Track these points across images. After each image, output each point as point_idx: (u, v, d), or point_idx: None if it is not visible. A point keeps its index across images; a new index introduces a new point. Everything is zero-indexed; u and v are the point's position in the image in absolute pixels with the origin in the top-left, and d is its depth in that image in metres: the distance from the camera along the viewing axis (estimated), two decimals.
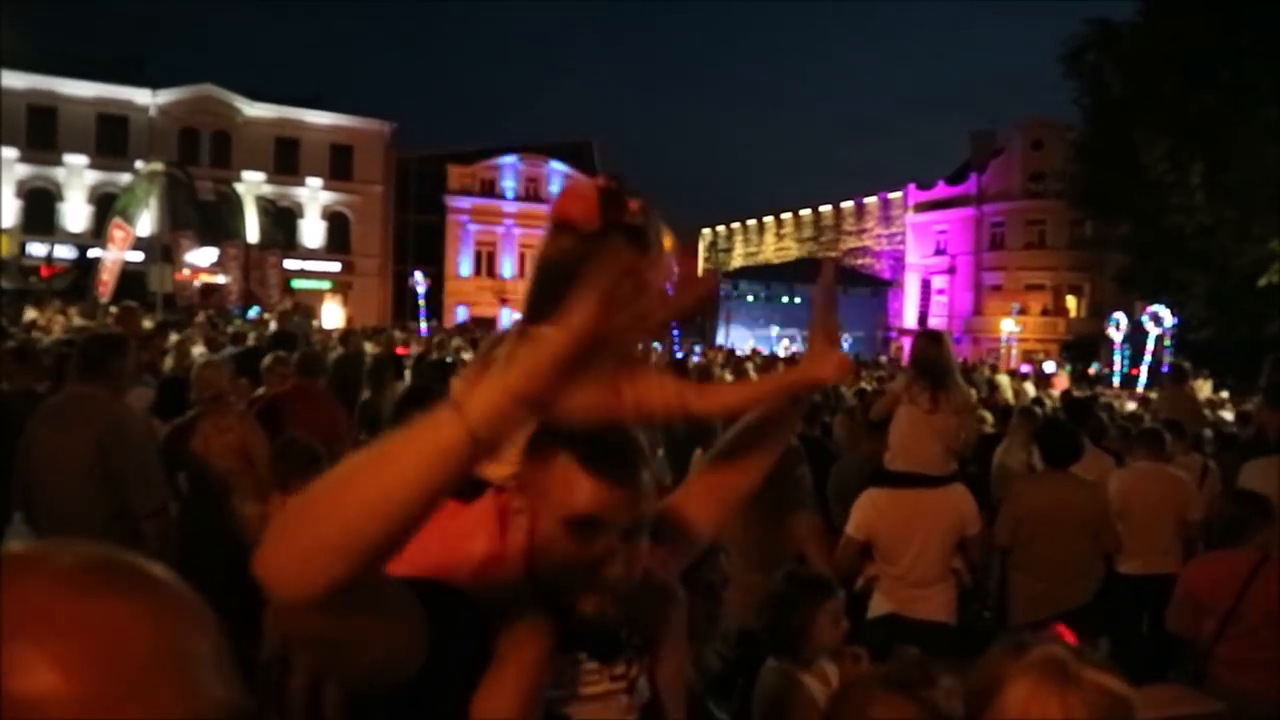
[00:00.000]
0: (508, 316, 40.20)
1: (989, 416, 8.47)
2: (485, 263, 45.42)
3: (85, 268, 28.45)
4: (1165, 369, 13.06)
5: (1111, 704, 1.29)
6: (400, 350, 13.13)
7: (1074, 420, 6.09)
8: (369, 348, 13.69)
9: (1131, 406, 13.03)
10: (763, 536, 4.12)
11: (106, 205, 34.35)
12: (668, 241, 1.37)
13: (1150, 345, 17.81)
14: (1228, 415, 11.96)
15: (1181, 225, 27.69)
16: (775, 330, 43.26)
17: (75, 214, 37.74)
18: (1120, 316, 19.42)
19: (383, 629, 1.04)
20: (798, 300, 44.68)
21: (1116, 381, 18.85)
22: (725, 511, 1.58)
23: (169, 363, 8.73)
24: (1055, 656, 1.33)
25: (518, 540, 1.25)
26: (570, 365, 0.89)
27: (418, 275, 24.38)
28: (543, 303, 1.27)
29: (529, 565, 1.24)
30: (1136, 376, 18.35)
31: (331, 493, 0.90)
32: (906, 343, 41.25)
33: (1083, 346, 33.69)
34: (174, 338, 10.54)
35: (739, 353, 24.46)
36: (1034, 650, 1.35)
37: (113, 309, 16.23)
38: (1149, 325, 17.57)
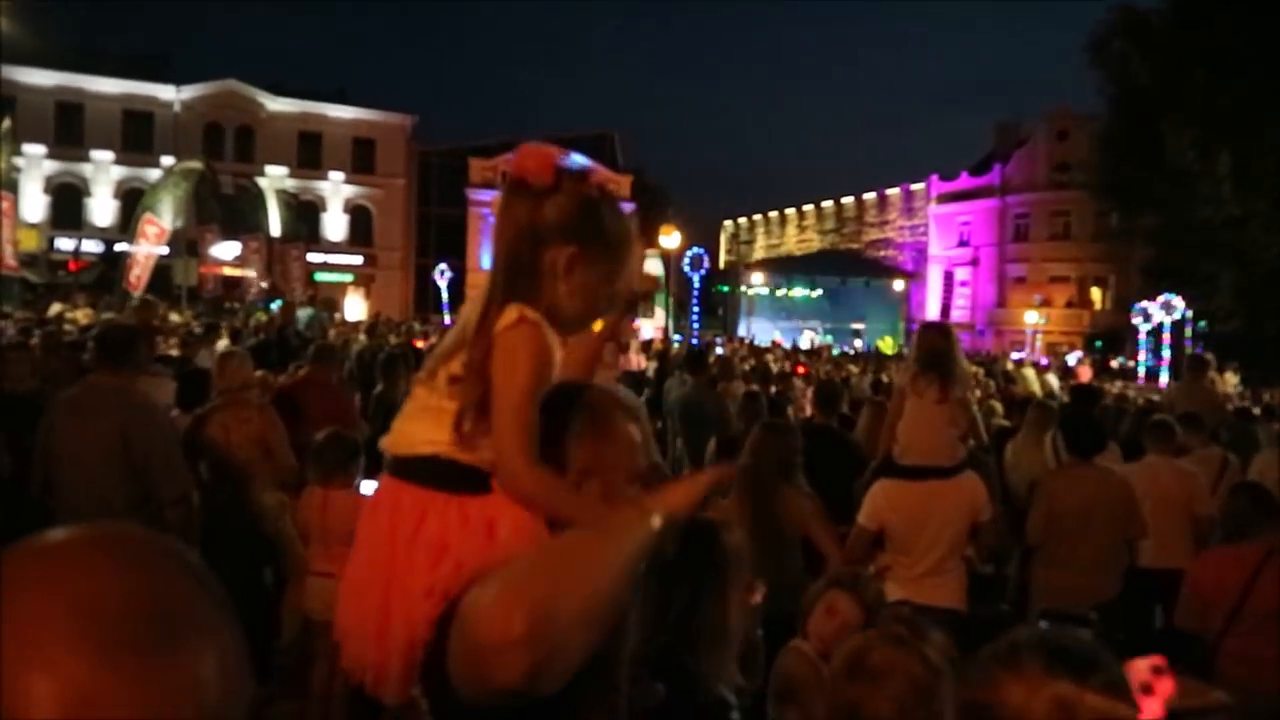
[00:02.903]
0: None
1: (998, 407, 8.45)
2: None
3: (112, 262, 28.81)
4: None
5: None
6: (415, 342, 13.21)
7: (1082, 408, 6.04)
8: (393, 339, 13.82)
9: (1156, 399, 12.90)
10: (762, 518, 4.11)
11: (132, 200, 34.72)
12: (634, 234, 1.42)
13: (1168, 334, 17.61)
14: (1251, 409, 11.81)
15: (1209, 217, 27.36)
16: (797, 322, 43.12)
17: (102, 209, 38.29)
18: (1146, 307, 19.16)
19: None
20: (818, 292, 44.50)
21: (1142, 374, 18.66)
22: None
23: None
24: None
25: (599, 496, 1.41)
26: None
27: (441, 267, 24.39)
28: (513, 281, 1.33)
29: None
30: (1161, 368, 18.16)
31: (576, 603, 1.08)
32: None
33: (1108, 339, 33.38)
34: (197, 330, 10.70)
35: (760, 345, 24.44)
36: (1025, 676, 1.27)
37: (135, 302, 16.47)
38: (1159, 314, 17.30)
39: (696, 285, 17.55)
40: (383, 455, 1.39)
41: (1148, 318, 18.36)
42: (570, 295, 1.34)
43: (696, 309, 17.49)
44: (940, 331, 4.66)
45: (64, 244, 36.46)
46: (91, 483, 3.98)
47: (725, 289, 44.60)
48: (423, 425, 1.33)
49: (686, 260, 17.42)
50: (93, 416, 4.04)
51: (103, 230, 37.11)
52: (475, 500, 1.31)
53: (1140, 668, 1.74)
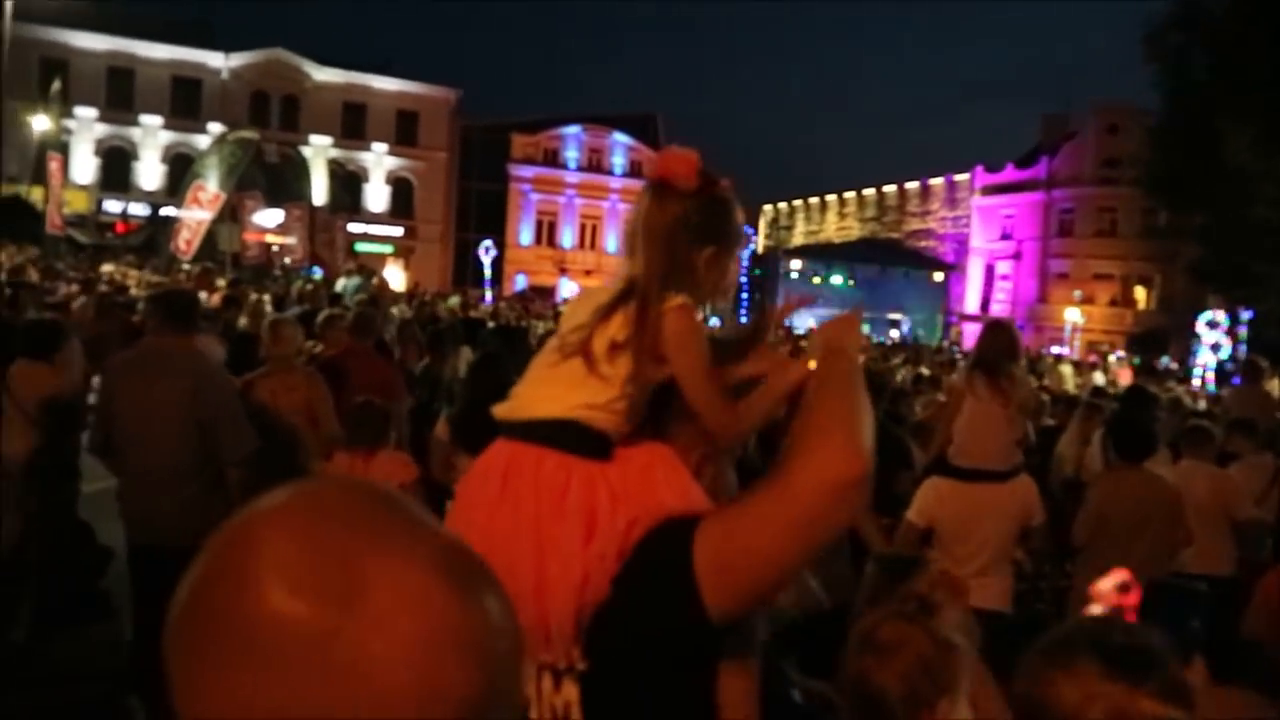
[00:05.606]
0: (567, 285, 40.31)
1: (1046, 400, 8.36)
2: (546, 232, 45.63)
3: (158, 225, 29.16)
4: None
5: None
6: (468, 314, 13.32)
7: (1135, 411, 5.90)
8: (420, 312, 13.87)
9: (1202, 405, 12.63)
10: None
11: (179, 165, 35.13)
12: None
13: (1203, 354, 17.25)
14: None
15: (1266, 218, 26.62)
16: (834, 311, 42.69)
17: (149, 173, 38.83)
18: (1213, 314, 18.76)
19: None
20: (854, 281, 44.08)
21: (1196, 379, 18.23)
22: None
23: (243, 321, 8.95)
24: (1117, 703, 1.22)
25: (712, 479, 1.49)
26: None
27: (486, 244, 24.47)
28: (668, 275, 1.41)
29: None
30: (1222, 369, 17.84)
31: (859, 409, 1.30)
32: (967, 328, 40.43)
33: (1150, 339, 32.76)
34: (253, 297, 10.80)
35: (797, 331, 24.19)
36: (1078, 675, 1.25)
37: (185, 266, 16.68)
38: (1202, 330, 16.92)
39: (744, 264, 17.23)
40: (503, 422, 1.43)
41: (1214, 325, 17.97)
42: (709, 290, 1.47)
43: (744, 292, 17.19)
44: (1004, 330, 4.56)
45: (112, 206, 37.05)
46: (158, 442, 4.01)
47: (762, 273, 44.37)
48: (572, 390, 1.39)
49: None
50: (162, 377, 4.05)
51: (149, 194, 37.64)
52: (614, 467, 1.38)
53: (1108, 586, 1.85)
